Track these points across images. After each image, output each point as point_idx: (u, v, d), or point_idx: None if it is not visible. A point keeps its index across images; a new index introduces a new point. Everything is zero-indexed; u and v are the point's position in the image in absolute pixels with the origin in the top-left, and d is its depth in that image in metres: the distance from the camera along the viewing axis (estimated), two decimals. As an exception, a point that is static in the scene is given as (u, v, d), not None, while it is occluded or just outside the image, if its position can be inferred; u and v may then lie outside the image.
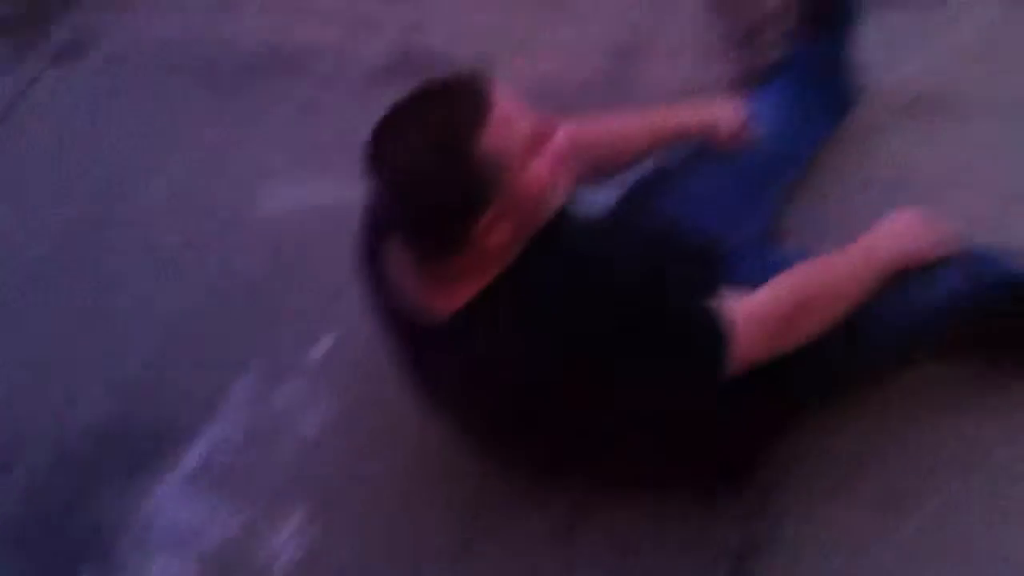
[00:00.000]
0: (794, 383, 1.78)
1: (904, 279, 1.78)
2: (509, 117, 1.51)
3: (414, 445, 2.09)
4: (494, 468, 2.00)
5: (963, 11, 2.61)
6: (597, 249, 1.68)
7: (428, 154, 1.47)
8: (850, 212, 2.17)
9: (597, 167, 1.94)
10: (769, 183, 2.18)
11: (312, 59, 2.95)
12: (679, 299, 1.64)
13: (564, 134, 1.60)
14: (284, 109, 2.80)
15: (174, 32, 3.25)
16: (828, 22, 2.34)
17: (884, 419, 1.93)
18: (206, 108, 2.93)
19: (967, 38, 2.56)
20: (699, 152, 2.11)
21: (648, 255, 1.75)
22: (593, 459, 1.86)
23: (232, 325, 2.39)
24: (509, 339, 1.56)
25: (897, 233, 1.80)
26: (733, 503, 1.89)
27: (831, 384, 1.89)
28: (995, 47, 2.53)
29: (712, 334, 1.60)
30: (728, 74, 2.52)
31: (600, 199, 1.97)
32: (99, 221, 2.72)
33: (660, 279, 1.67)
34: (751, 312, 1.64)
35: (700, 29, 2.69)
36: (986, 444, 1.88)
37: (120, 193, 2.77)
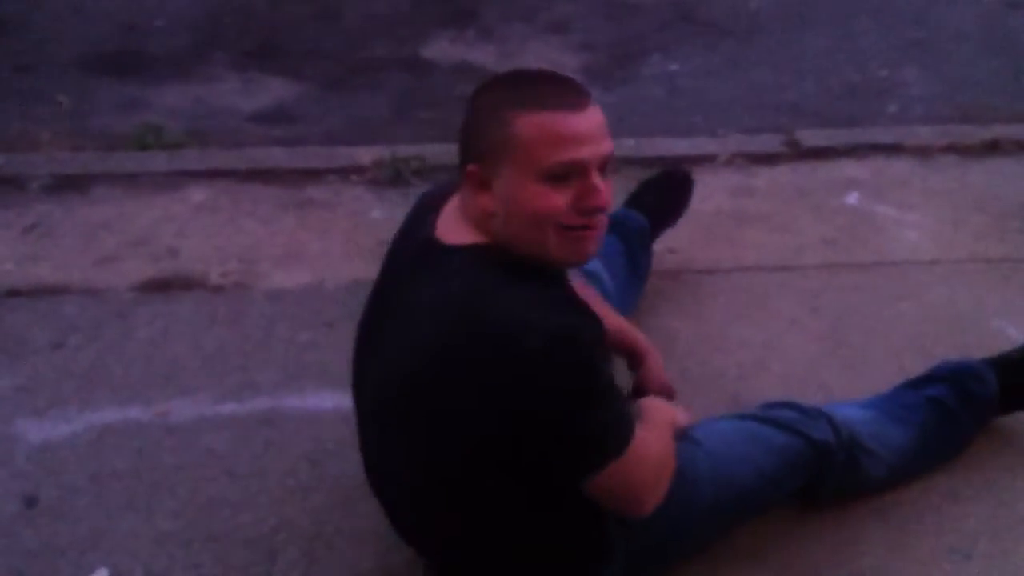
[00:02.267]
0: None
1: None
2: (551, 134, 1.56)
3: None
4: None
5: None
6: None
7: (489, 95, 1.64)
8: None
9: None
10: None
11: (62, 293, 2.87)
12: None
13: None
14: (41, 341, 2.68)
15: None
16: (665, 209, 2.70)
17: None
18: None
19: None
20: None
21: None
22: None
23: None
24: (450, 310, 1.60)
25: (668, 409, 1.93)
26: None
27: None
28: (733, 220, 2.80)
29: (622, 433, 1.63)
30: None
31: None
32: None
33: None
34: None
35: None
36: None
37: None
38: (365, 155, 3.33)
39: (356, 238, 3.00)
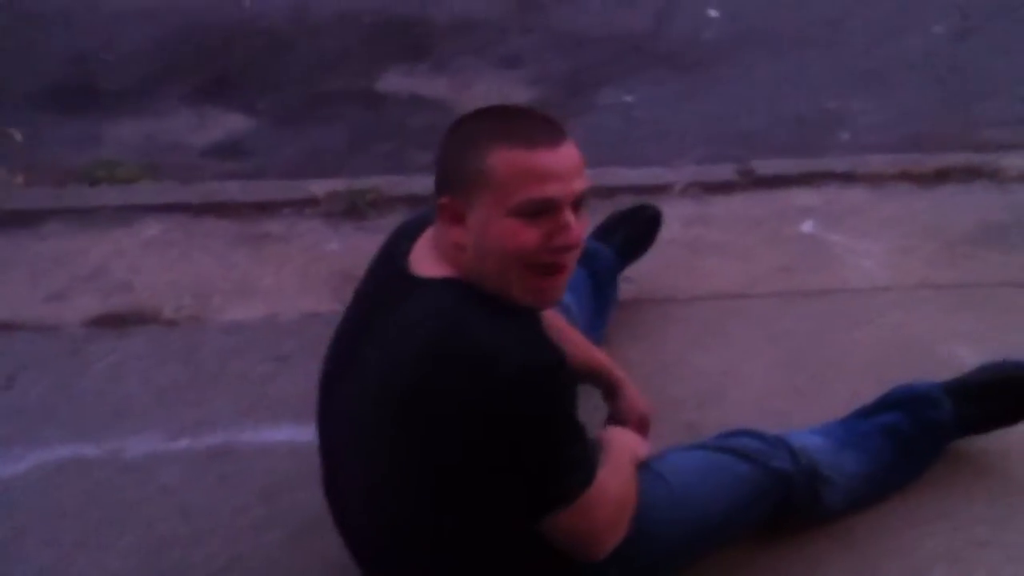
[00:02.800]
0: None
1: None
2: (525, 170, 1.56)
3: None
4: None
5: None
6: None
7: (463, 129, 1.65)
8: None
9: None
10: None
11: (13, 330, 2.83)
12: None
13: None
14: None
15: None
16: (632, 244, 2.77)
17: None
18: None
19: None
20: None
21: None
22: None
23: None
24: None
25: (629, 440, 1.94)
26: None
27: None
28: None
29: (584, 472, 1.64)
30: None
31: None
32: None
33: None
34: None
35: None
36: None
37: None
38: (320, 188, 3.31)
39: (311, 271, 2.99)
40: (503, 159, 1.57)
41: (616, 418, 2.13)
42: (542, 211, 1.58)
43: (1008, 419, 2.28)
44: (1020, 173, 3.44)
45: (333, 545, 1.89)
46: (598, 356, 2.19)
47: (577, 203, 1.61)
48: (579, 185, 1.61)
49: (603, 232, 2.77)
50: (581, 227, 1.62)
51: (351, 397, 1.75)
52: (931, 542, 2.13)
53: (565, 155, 1.60)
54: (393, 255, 1.77)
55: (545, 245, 1.59)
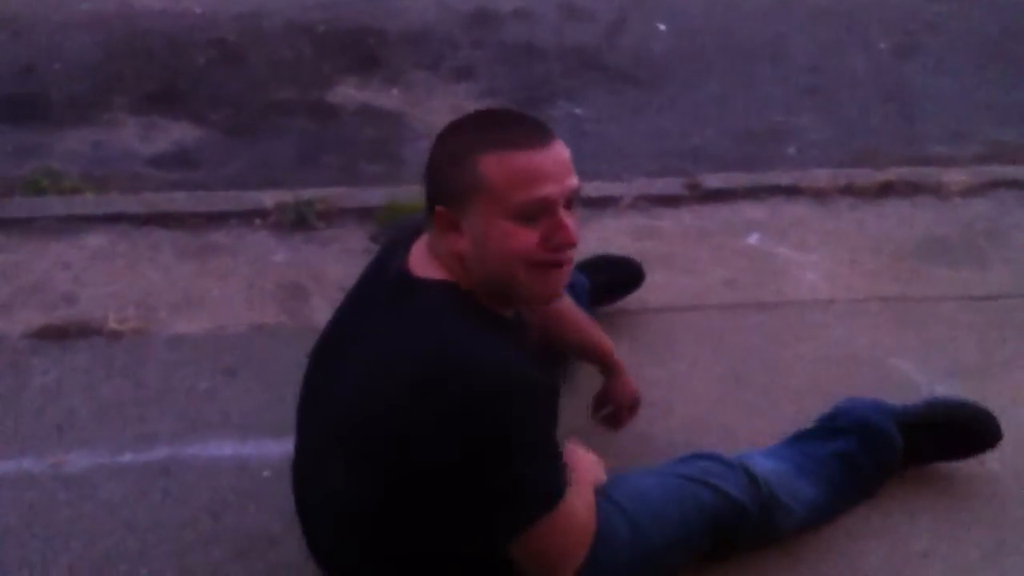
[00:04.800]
0: None
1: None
2: (516, 172, 1.57)
3: None
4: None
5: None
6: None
7: (456, 137, 1.64)
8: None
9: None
10: None
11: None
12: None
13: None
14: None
15: None
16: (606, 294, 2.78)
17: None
18: None
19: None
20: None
21: None
22: None
23: None
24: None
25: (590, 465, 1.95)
26: None
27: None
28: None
29: (555, 493, 1.64)
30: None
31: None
32: None
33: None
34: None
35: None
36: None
37: None
38: (268, 199, 3.29)
39: (258, 283, 2.96)
40: (495, 164, 1.58)
41: (609, 397, 2.30)
42: (538, 212, 1.60)
43: (956, 456, 2.34)
44: (961, 188, 3.51)
45: (280, 562, 1.88)
46: (602, 338, 2.28)
47: (570, 201, 1.63)
48: (572, 183, 1.63)
49: (588, 268, 2.72)
50: (576, 224, 1.64)
51: (342, 394, 1.73)
52: (874, 557, 2.16)
53: (555, 154, 1.62)
54: (391, 259, 1.77)
55: (545, 245, 1.61)
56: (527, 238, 1.60)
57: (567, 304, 2.18)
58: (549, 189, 1.59)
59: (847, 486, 2.23)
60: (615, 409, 2.33)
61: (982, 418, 2.30)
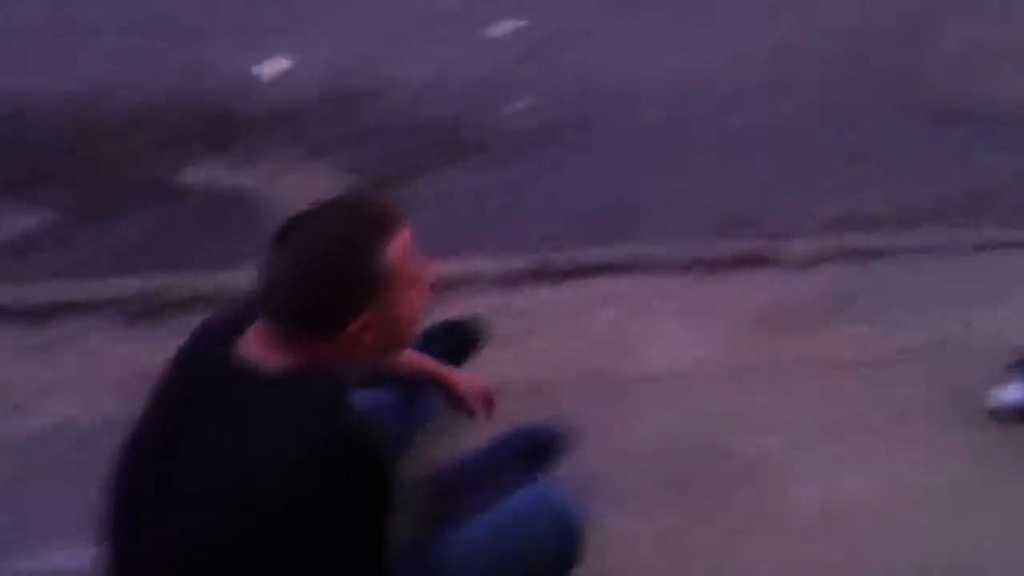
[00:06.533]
0: None
1: None
2: (409, 244, 1.66)
3: None
4: None
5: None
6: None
7: (337, 246, 1.60)
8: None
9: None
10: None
11: None
12: None
13: None
14: None
15: None
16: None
17: None
18: None
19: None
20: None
21: None
22: None
23: None
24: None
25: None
26: None
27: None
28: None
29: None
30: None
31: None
32: None
33: None
34: None
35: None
36: None
37: None
38: (113, 288, 3.21)
39: (103, 375, 2.86)
40: (395, 249, 1.64)
41: (459, 405, 2.43)
42: (424, 270, 1.73)
43: None
44: (801, 258, 3.59)
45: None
46: (424, 361, 2.41)
47: None
48: None
49: (430, 337, 2.70)
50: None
51: (191, 503, 1.62)
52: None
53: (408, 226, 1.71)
54: (214, 353, 1.69)
55: (429, 291, 1.76)
56: (424, 294, 1.74)
57: None
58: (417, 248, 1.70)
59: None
60: (470, 401, 2.45)
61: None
